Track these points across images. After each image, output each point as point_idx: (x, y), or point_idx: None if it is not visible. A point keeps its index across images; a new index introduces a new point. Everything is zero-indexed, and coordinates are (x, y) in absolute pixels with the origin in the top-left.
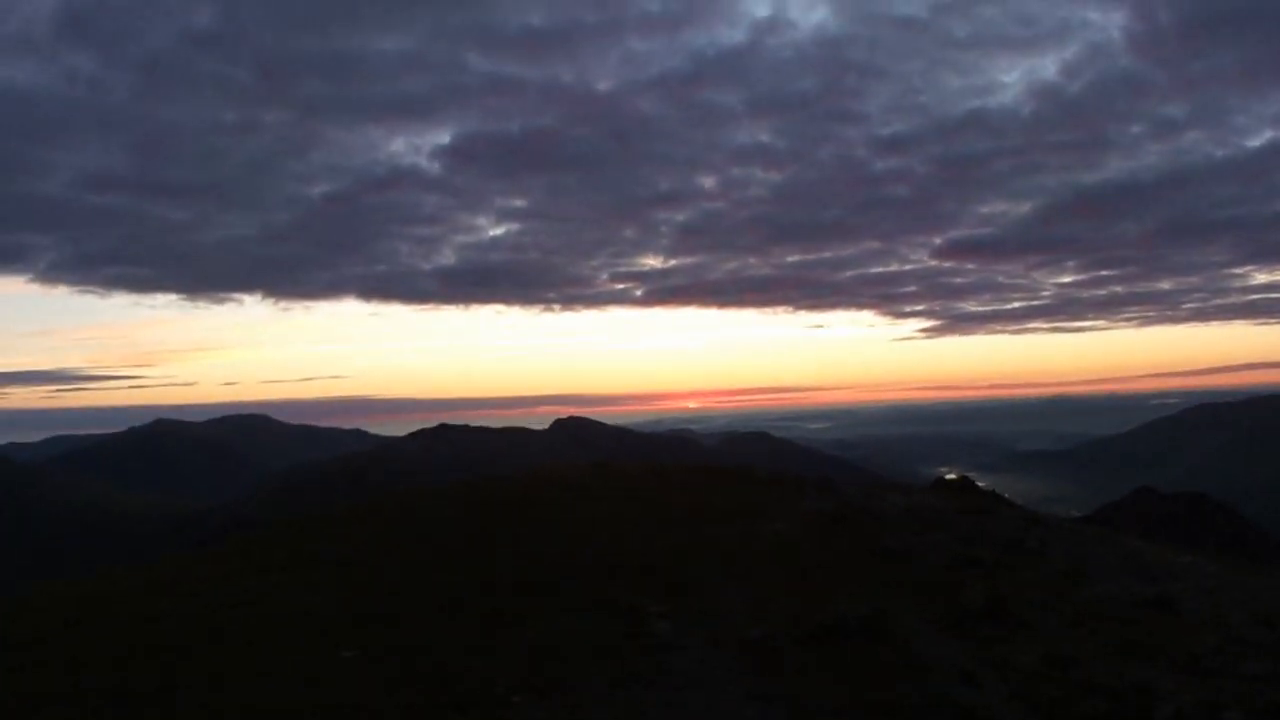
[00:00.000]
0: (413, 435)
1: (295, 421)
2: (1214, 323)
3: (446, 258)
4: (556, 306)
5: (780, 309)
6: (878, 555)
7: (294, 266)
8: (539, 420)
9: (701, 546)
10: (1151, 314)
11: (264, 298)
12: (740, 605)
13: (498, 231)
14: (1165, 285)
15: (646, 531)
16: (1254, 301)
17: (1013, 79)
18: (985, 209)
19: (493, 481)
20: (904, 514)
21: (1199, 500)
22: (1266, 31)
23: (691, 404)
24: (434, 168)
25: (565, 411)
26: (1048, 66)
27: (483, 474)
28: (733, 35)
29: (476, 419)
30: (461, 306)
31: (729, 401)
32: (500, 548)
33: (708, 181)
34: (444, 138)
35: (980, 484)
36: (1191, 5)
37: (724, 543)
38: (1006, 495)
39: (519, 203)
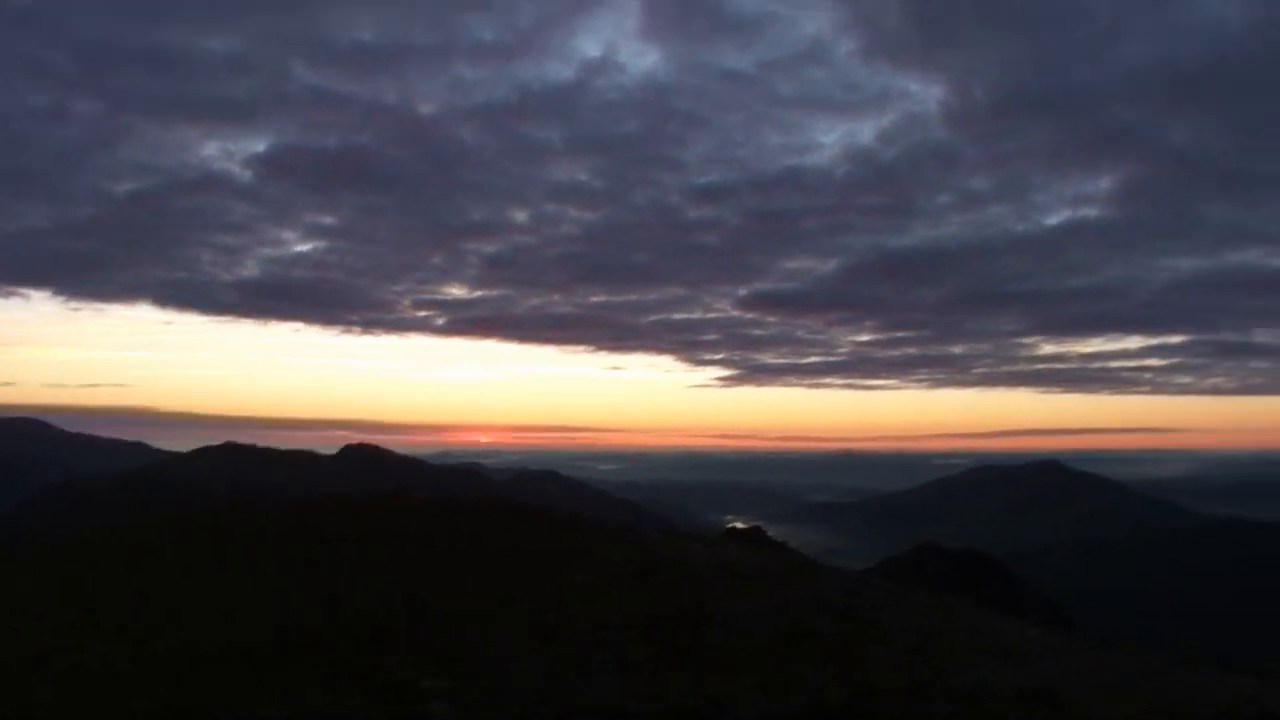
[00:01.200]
0: (197, 452)
1: (76, 430)
2: (1001, 388)
3: (249, 270)
4: (356, 329)
5: (580, 348)
6: (699, 621)
7: (89, 265)
8: (329, 445)
9: (493, 601)
10: (942, 376)
11: (54, 295)
12: (539, 684)
13: (304, 247)
14: (957, 349)
15: (431, 579)
16: (1040, 370)
17: (830, 140)
18: (792, 264)
19: (262, 511)
20: (717, 570)
21: (978, 559)
22: (1073, 116)
23: (483, 438)
24: (246, 176)
25: (356, 437)
26: (865, 131)
27: (265, 498)
28: (561, 72)
29: (265, 439)
30: (260, 321)
31: (521, 438)
32: (254, 594)
33: (520, 215)
34: (260, 146)
35: (769, 533)
36: (1006, 86)
37: (519, 598)
38: (791, 544)
39: (329, 220)
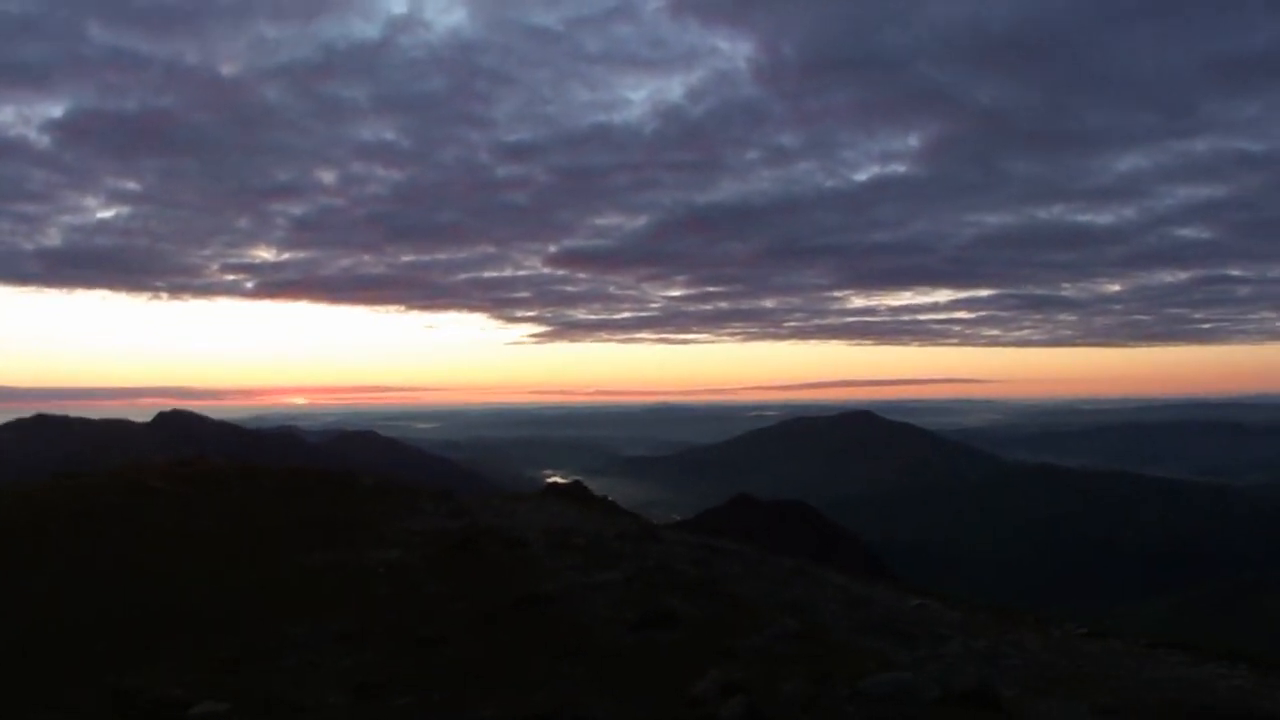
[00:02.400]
0: (8, 425)
1: None
2: (812, 341)
3: (51, 239)
4: (164, 295)
5: (393, 307)
6: (532, 605)
7: None
8: (142, 413)
9: (284, 587)
10: (754, 330)
11: None
12: (340, 701)
13: (107, 214)
14: (769, 304)
15: (214, 566)
16: (850, 323)
17: (639, 97)
18: (601, 221)
19: (23, 488)
20: (548, 537)
21: (795, 508)
22: (880, 75)
23: (299, 400)
24: (43, 141)
25: (169, 404)
26: (674, 88)
27: (79, 469)
28: (366, 30)
29: (76, 409)
30: (65, 291)
31: (337, 398)
32: None
33: (327, 176)
34: (56, 110)
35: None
36: (813, 45)
37: (315, 581)
38: (609, 498)
39: (131, 185)
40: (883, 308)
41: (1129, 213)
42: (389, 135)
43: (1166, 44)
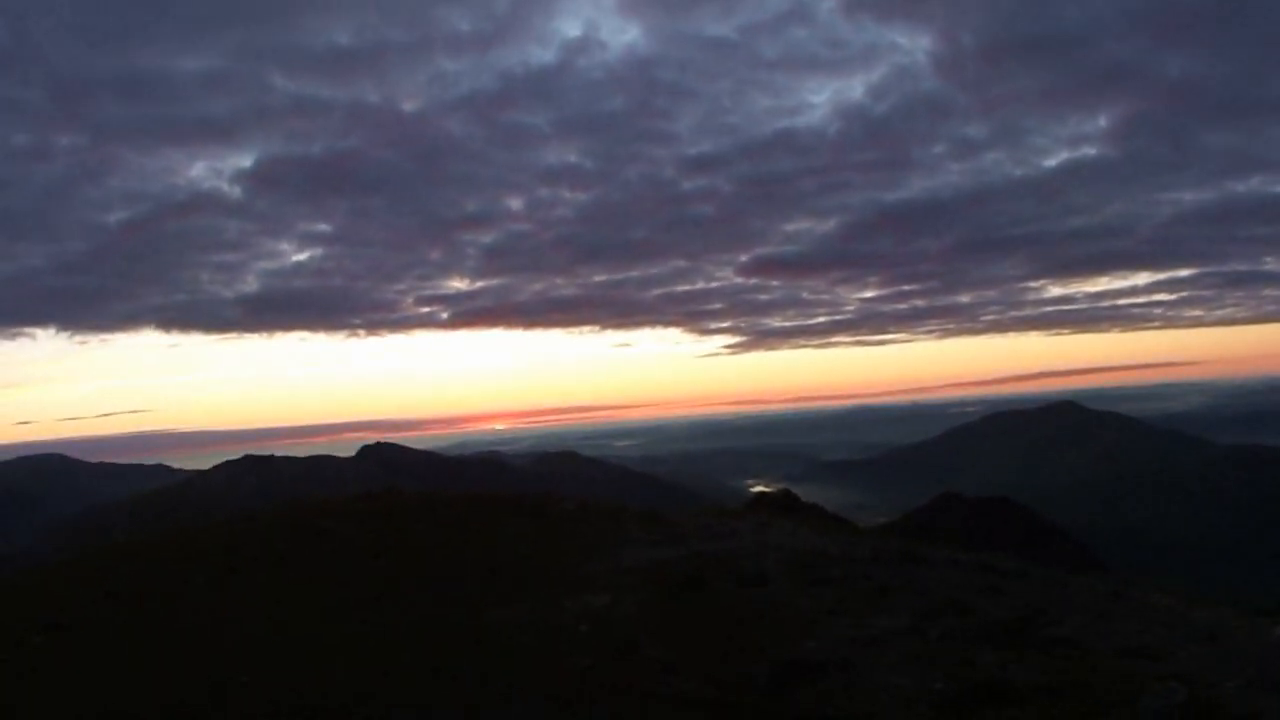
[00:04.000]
0: (218, 468)
1: (95, 459)
2: (1010, 334)
3: (249, 285)
4: (362, 332)
5: (587, 328)
6: (798, 680)
7: (90, 298)
8: (347, 447)
9: (454, 658)
10: (951, 326)
11: (58, 331)
12: None
13: (301, 257)
14: (964, 298)
15: (367, 622)
16: (1047, 313)
17: (820, 100)
18: (790, 227)
19: (171, 534)
20: (790, 567)
21: (1001, 504)
22: (1064, 56)
23: (500, 425)
24: (235, 192)
25: (373, 436)
26: (855, 88)
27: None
28: (543, 55)
29: (283, 448)
30: (265, 334)
31: (537, 421)
32: (121, 648)
33: (514, 202)
34: (245, 161)
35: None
36: (993, 30)
37: (498, 648)
38: (814, 503)
39: (323, 227)
40: (1080, 294)
41: None
42: (572, 158)
43: None
